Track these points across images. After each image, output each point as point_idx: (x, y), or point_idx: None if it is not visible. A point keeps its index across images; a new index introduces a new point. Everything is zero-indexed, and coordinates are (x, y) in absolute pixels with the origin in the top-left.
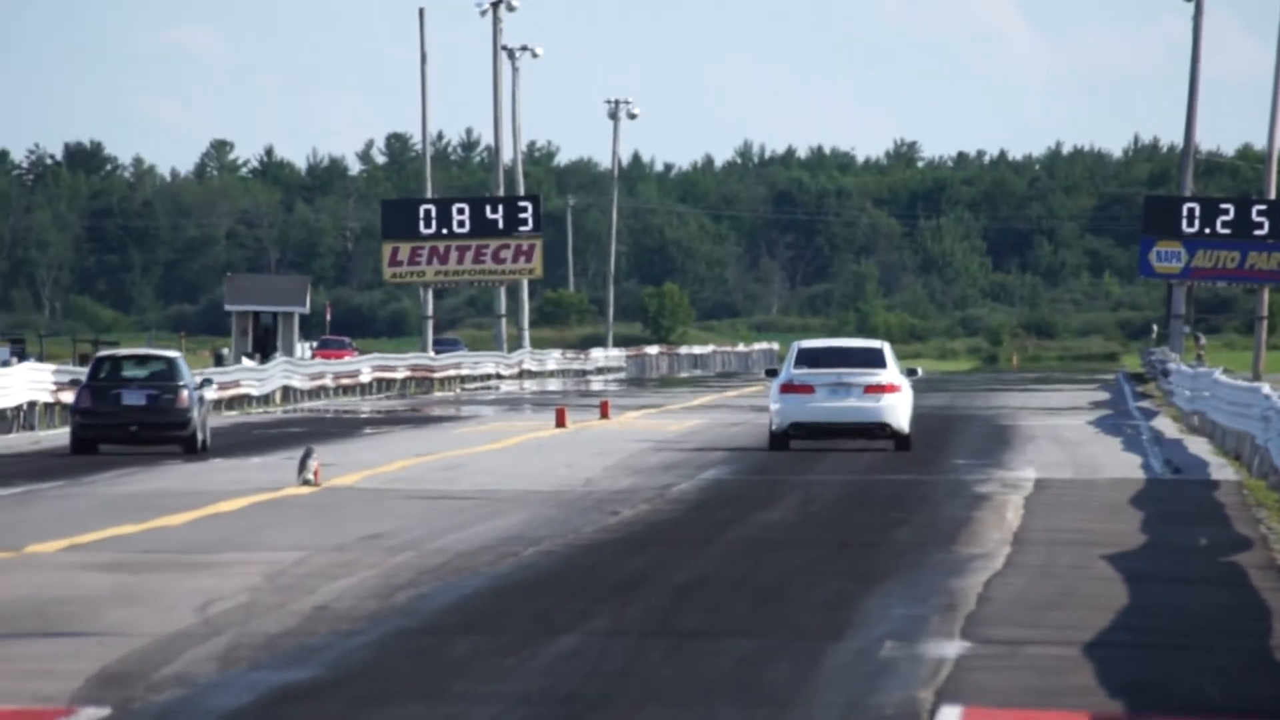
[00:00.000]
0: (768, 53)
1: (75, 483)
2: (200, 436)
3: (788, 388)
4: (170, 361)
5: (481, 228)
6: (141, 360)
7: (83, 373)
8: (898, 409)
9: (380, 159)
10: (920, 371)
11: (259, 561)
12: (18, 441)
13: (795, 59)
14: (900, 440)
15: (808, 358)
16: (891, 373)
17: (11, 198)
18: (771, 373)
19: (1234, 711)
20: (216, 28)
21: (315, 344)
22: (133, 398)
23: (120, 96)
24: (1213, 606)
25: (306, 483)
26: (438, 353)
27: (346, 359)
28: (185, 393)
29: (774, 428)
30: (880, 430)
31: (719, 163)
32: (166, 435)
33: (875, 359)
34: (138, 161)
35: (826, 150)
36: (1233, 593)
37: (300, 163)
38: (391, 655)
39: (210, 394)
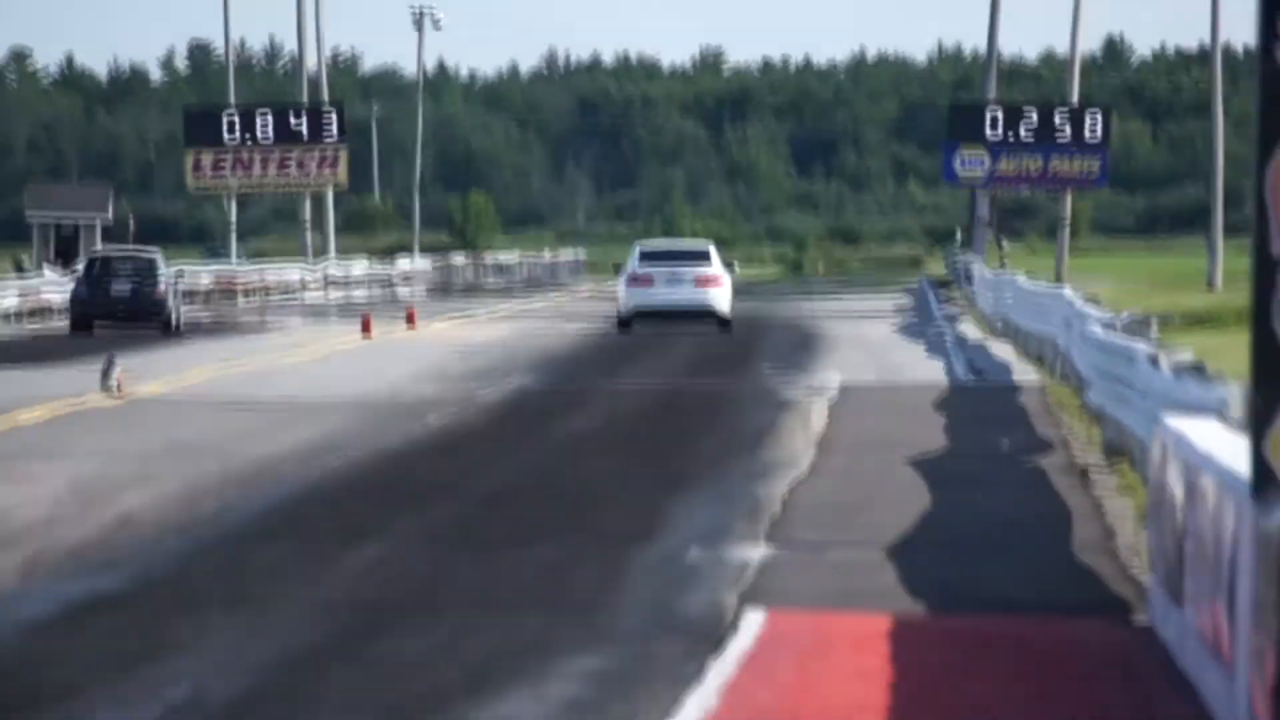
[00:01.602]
0: None
1: None
2: (175, 319)
3: (633, 279)
4: (151, 260)
5: (286, 136)
6: (127, 259)
7: None
8: (721, 297)
9: (183, 67)
10: (737, 267)
11: (60, 472)
12: None
13: None
14: (723, 322)
15: (648, 255)
16: (716, 267)
17: None
18: (617, 267)
19: (1036, 609)
20: None
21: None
22: (120, 287)
23: None
24: (1015, 508)
25: (109, 391)
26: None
27: None
28: (163, 284)
29: (621, 312)
30: (707, 314)
31: (524, 71)
32: (147, 318)
33: (703, 256)
34: None
35: (632, 58)
36: (1035, 494)
37: (101, 71)
38: (196, 564)
39: (183, 285)
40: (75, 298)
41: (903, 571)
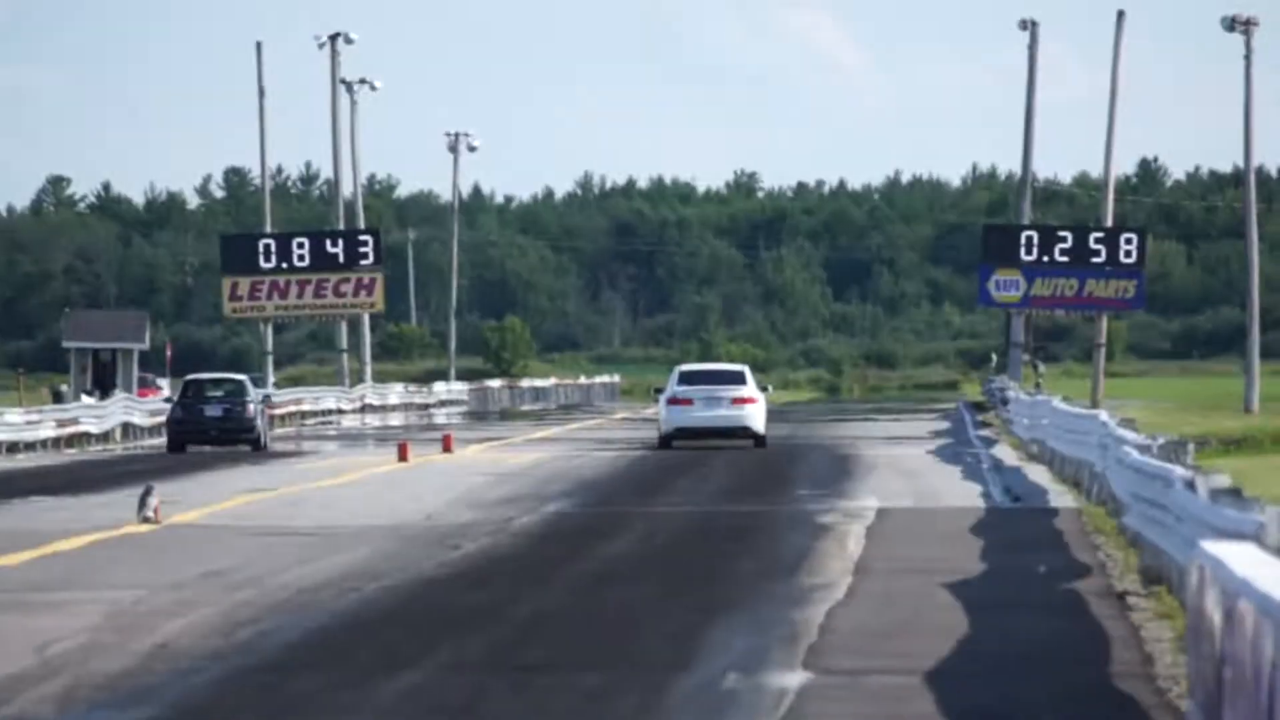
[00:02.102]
0: (607, 84)
1: None
2: (263, 439)
3: (673, 400)
4: (240, 383)
5: (322, 262)
6: (218, 382)
7: None
8: (756, 416)
9: (219, 193)
10: (770, 389)
11: (98, 600)
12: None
13: (635, 90)
14: (758, 440)
15: (687, 378)
16: (751, 388)
17: None
18: (658, 390)
19: None
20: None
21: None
22: (212, 411)
23: None
24: (1052, 633)
25: (147, 520)
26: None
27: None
28: (252, 406)
29: (662, 431)
30: (743, 432)
31: (559, 194)
32: (238, 438)
33: (738, 378)
34: None
35: (667, 181)
36: (1072, 620)
37: (138, 198)
38: (233, 693)
39: (269, 408)
40: (171, 419)
41: (941, 697)
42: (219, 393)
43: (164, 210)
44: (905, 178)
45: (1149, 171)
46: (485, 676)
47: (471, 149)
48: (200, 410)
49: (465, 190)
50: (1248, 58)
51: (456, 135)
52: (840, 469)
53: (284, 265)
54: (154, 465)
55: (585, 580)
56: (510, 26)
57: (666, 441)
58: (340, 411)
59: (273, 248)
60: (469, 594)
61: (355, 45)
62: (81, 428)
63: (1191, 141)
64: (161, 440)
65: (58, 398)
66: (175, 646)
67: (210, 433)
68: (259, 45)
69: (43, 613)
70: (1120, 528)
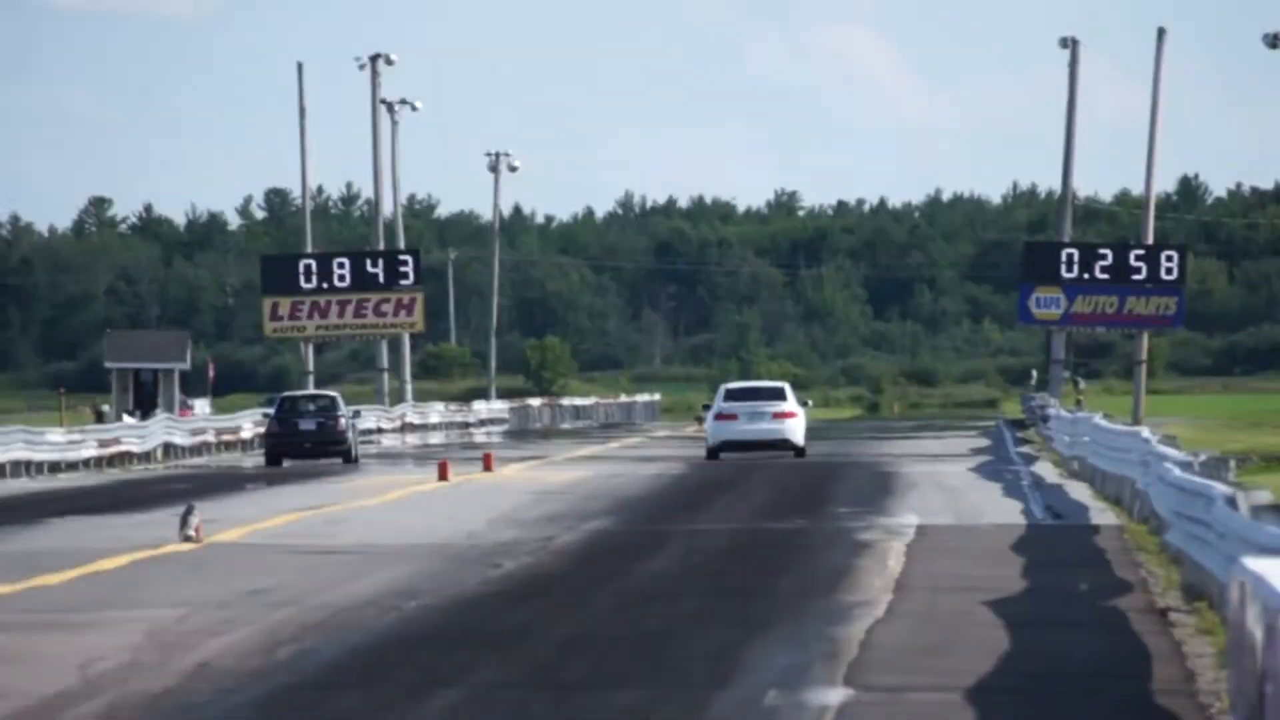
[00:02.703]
0: (648, 103)
1: None
2: (354, 451)
3: (719, 416)
4: (332, 399)
5: (362, 282)
6: (312, 399)
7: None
8: (796, 429)
9: (260, 214)
10: (810, 404)
11: (140, 619)
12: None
13: (675, 109)
14: (798, 451)
15: (732, 394)
16: (791, 403)
17: None
18: (706, 407)
19: None
20: (93, 84)
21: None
22: (307, 425)
23: None
24: (1094, 651)
25: (188, 539)
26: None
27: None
28: (343, 420)
29: (709, 445)
30: (784, 444)
31: (600, 214)
32: (330, 450)
33: (780, 394)
34: (15, 219)
35: (707, 200)
36: (1114, 637)
37: (179, 218)
38: (275, 712)
39: (359, 422)
40: (268, 433)
41: (982, 714)
42: (312, 408)
43: (205, 231)
44: (946, 195)
45: (1190, 189)
46: (526, 694)
47: (512, 169)
48: (295, 424)
49: (506, 210)
50: None
51: (497, 155)
52: (880, 486)
53: (324, 285)
54: (195, 485)
55: (626, 598)
56: (550, 46)
57: (714, 453)
58: (381, 431)
59: (313, 268)
60: (510, 612)
61: (396, 66)
62: (123, 447)
63: (1232, 159)
64: (202, 460)
65: (100, 418)
66: (217, 665)
67: (304, 445)
68: (300, 66)
69: (85, 631)
70: (1162, 545)
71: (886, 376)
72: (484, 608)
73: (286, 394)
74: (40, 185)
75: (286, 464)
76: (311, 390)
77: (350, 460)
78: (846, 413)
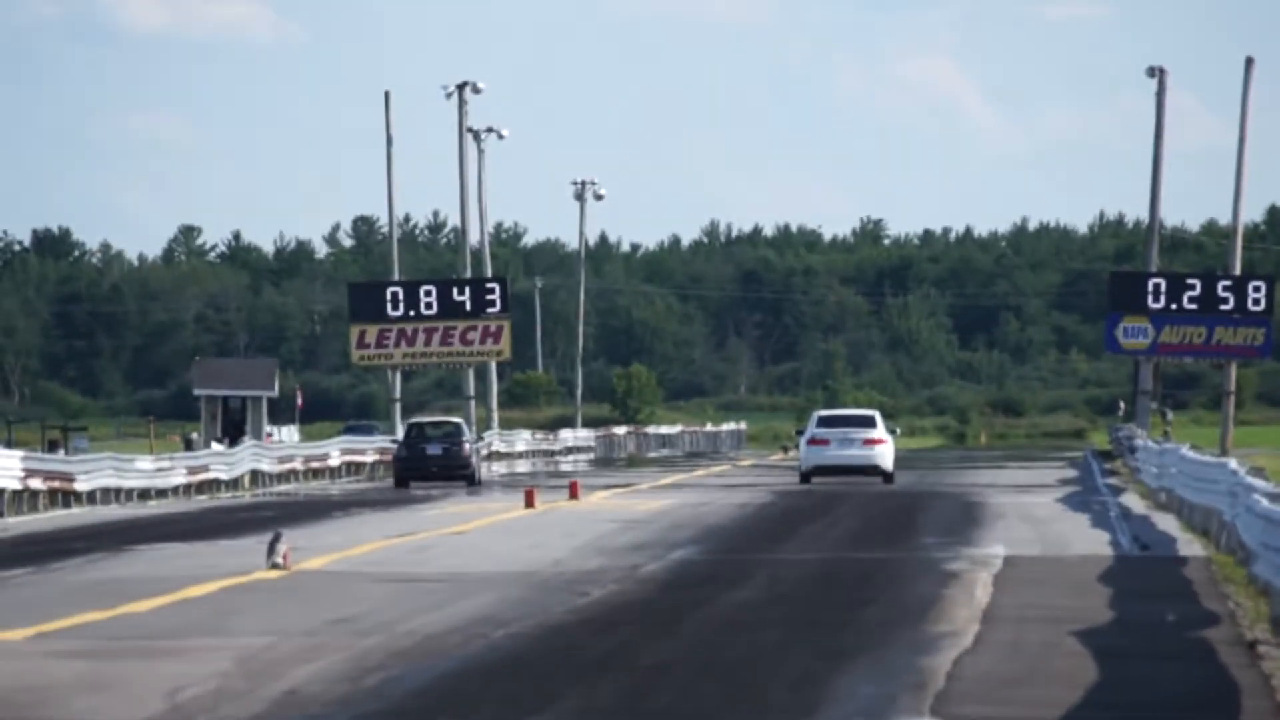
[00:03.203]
0: (733, 132)
1: (41, 570)
2: (477, 474)
3: (812, 441)
4: (457, 425)
5: (449, 310)
6: (438, 425)
7: (55, 457)
8: (885, 455)
9: (347, 242)
10: (899, 431)
11: (228, 647)
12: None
13: (761, 138)
14: (886, 477)
15: (824, 421)
16: (880, 430)
17: None
18: (799, 433)
19: None
20: (183, 113)
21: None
22: (433, 449)
23: (88, 182)
24: (1182, 683)
25: (275, 566)
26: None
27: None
28: (468, 445)
29: (802, 469)
30: (874, 470)
31: (685, 242)
32: (456, 474)
33: (870, 421)
34: (105, 247)
35: (793, 229)
36: (1202, 669)
37: (268, 246)
38: None
39: (483, 448)
40: (397, 458)
41: None
42: (438, 434)
43: (293, 259)
44: (1032, 225)
45: (1277, 218)
46: None
47: (598, 197)
48: (422, 449)
49: (592, 238)
50: None
51: (583, 183)
52: (967, 516)
53: (411, 313)
54: (281, 512)
55: (711, 627)
56: (636, 75)
57: (806, 477)
58: None
59: (400, 295)
60: (596, 640)
61: (483, 94)
62: (211, 474)
63: None
64: (288, 487)
65: (188, 445)
66: (304, 693)
67: (431, 469)
68: (387, 94)
69: (174, 659)
70: (1250, 576)
71: (972, 406)
72: (570, 636)
73: (413, 420)
74: (130, 213)
75: (415, 487)
76: (438, 417)
77: (475, 483)
78: (932, 442)
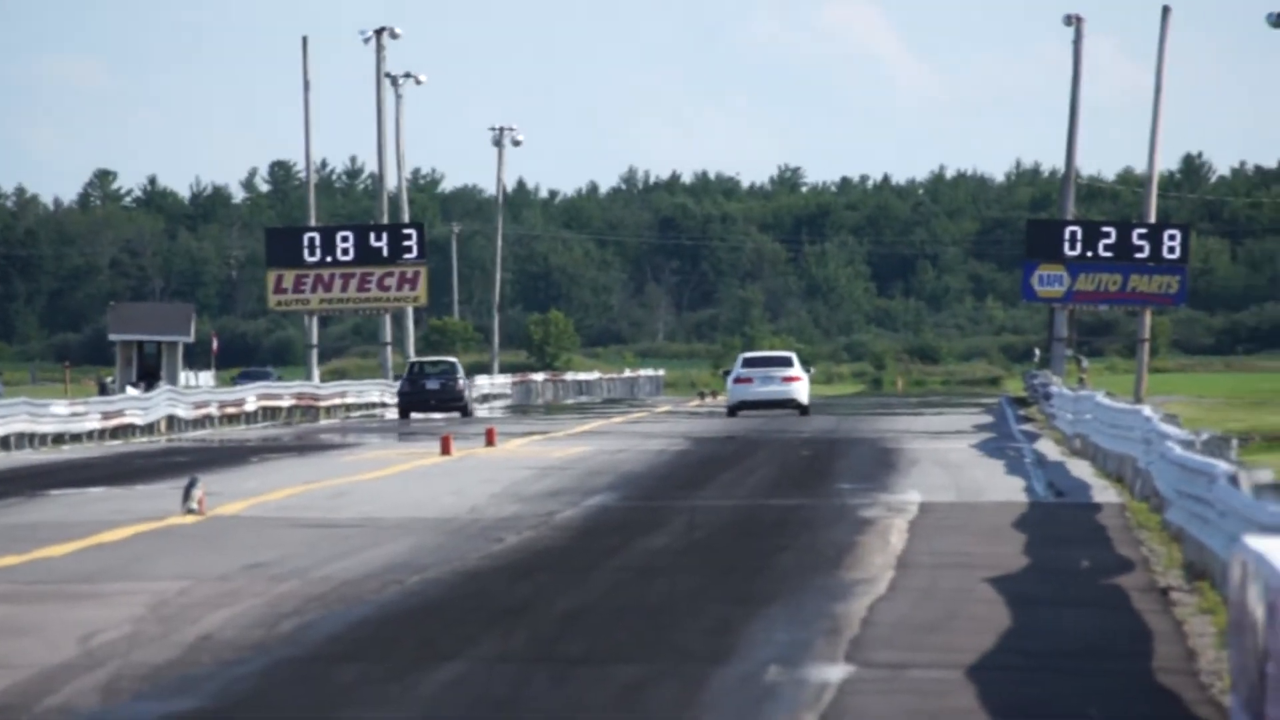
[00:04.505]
0: (651, 79)
1: None
2: (470, 407)
3: (738, 380)
4: (452, 364)
5: (366, 255)
6: (435, 364)
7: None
8: (801, 390)
9: (264, 187)
10: (813, 369)
11: (142, 591)
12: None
13: (679, 85)
14: (803, 409)
15: (748, 362)
16: (797, 369)
17: None
18: (726, 373)
19: None
20: (99, 56)
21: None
22: (432, 384)
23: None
24: (1095, 629)
25: (191, 512)
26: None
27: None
28: (461, 381)
29: (729, 404)
30: (792, 403)
31: (604, 189)
32: (452, 406)
33: (788, 362)
34: (20, 191)
35: (711, 176)
36: (1115, 615)
37: (184, 191)
38: (276, 684)
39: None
40: (400, 392)
41: (983, 691)
42: (436, 371)
43: (209, 204)
44: (949, 173)
45: (1193, 167)
46: (527, 668)
47: (516, 143)
48: (423, 385)
49: (509, 184)
50: None
51: (501, 130)
52: (883, 462)
53: (328, 259)
54: (197, 457)
55: (627, 573)
56: (554, 21)
57: (733, 411)
58: (384, 405)
59: (317, 241)
60: (511, 587)
61: (400, 40)
62: (126, 420)
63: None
64: (204, 432)
65: (103, 390)
66: (218, 638)
67: (430, 402)
68: (305, 40)
69: (87, 603)
70: (1163, 523)
71: (889, 353)
72: (485, 582)
73: (414, 359)
74: (45, 158)
75: (415, 416)
76: (435, 357)
77: (467, 414)
78: (849, 388)
